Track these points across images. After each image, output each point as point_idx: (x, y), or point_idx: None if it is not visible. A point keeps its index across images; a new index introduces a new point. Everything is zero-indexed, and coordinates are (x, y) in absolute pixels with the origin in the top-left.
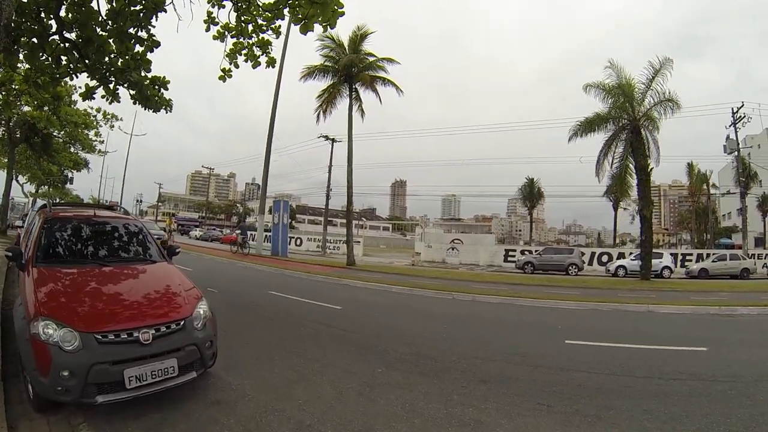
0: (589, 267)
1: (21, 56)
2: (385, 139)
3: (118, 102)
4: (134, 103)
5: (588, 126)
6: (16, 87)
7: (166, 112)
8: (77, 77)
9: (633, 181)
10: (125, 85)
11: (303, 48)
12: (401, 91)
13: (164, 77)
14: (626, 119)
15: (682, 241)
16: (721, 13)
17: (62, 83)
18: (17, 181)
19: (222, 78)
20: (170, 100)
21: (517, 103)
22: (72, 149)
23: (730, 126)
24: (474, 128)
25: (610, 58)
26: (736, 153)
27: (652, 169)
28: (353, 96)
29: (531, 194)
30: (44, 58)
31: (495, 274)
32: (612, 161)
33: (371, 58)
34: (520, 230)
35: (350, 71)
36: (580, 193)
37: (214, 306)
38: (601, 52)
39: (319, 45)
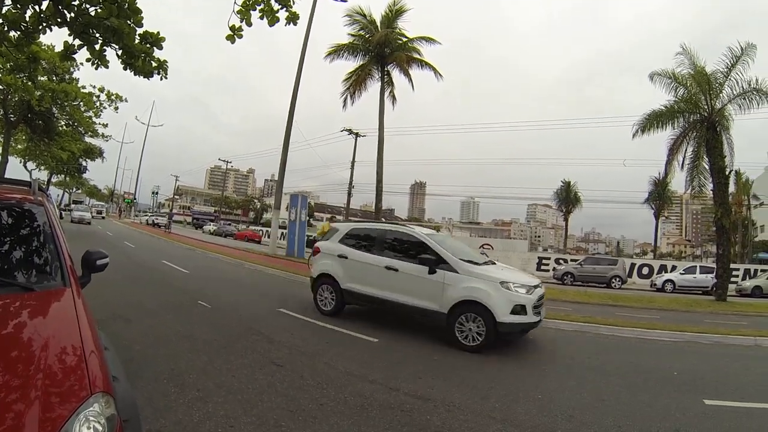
0: (629, 279)
1: None
2: (404, 136)
3: (106, 67)
4: (124, 68)
5: (655, 120)
6: None
7: (161, 78)
8: (51, 30)
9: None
10: (113, 45)
11: (327, 33)
12: (440, 75)
13: (158, 33)
14: (700, 113)
15: (708, 254)
16: (744, 22)
17: (39, 44)
18: (26, 167)
19: (230, 38)
20: (165, 61)
21: (538, 108)
22: (78, 133)
23: None
24: (492, 126)
25: (682, 42)
26: None
27: (731, 172)
28: (385, 79)
29: (567, 198)
30: (10, 4)
31: None
32: (683, 162)
33: (405, 38)
34: (539, 236)
35: (383, 50)
36: (601, 199)
37: (196, 332)
38: (624, 60)
39: (348, 20)
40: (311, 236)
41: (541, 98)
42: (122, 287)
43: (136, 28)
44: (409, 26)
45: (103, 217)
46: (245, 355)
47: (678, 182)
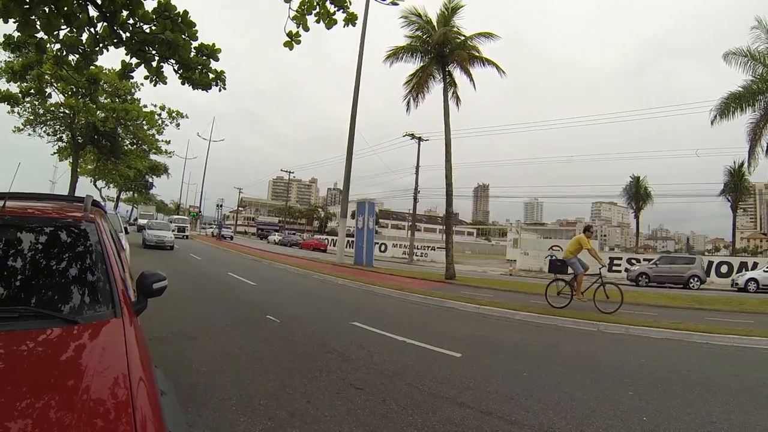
0: (707, 279)
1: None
2: (463, 138)
3: (164, 83)
4: (182, 83)
5: (736, 102)
6: (48, 73)
7: (219, 90)
8: (108, 50)
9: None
10: (170, 61)
11: (383, 38)
12: (503, 72)
13: (213, 44)
14: None
15: None
16: None
17: (99, 67)
18: (95, 185)
19: (289, 45)
20: (222, 72)
21: (590, 102)
22: (142, 151)
23: None
24: (550, 123)
25: (757, 15)
26: None
27: None
28: (447, 80)
29: (638, 195)
30: (66, 29)
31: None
32: (767, 147)
33: (462, 37)
34: (605, 235)
35: (442, 50)
36: (669, 193)
37: (266, 351)
38: (677, 43)
39: (404, 22)
40: (552, 257)
41: (596, 91)
42: (188, 301)
43: (191, 42)
44: (463, 23)
45: (187, 237)
46: (320, 377)
47: (759, 171)
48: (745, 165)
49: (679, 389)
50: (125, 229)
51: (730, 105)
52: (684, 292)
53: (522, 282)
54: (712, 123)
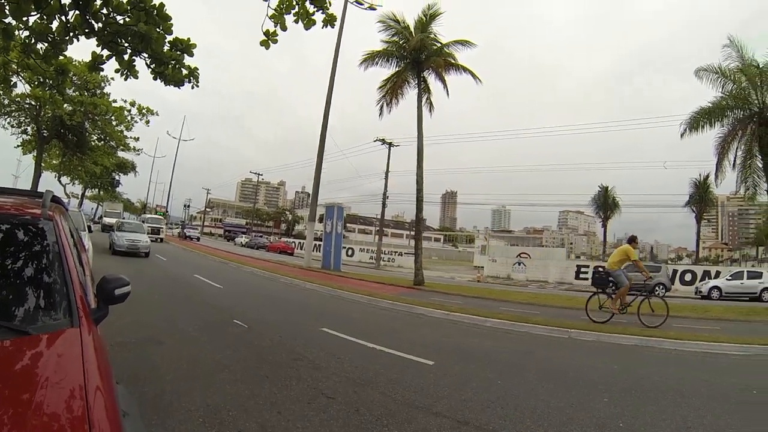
0: (671, 286)
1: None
2: (434, 145)
3: (135, 77)
4: (154, 78)
5: (706, 118)
6: (14, 61)
7: (192, 87)
8: (78, 40)
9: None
10: (143, 54)
11: (359, 44)
12: (479, 79)
13: (188, 39)
14: (751, 109)
15: (747, 257)
16: None
17: (67, 56)
18: (60, 181)
19: (265, 44)
20: (195, 68)
21: (569, 112)
22: (110, 148)
23: None
24: (522, 132)
25: (730, 34)
26: None
27: None
28: (422, 86)
29: (606, 204)
30: (36, 15)
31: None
32: (734, 161)
33: (439, 44)
34: (572, 243)
35: (418, 56)
36: (635, 203)
37: (234, 357)
38: (659, 55)
39: (381, 27)
40: (601, 268)
41: (572, 102)
42: (153, 304)
43: (166, 35)
44: (441, 30)
45: (162, 239)
46: (290, 386)
47: (724, 184)
48: (711, 177)
49: (652, 395)
50: (88, 227)
51: (699, 120)
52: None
53: (488, 288)
54: (681, 136)
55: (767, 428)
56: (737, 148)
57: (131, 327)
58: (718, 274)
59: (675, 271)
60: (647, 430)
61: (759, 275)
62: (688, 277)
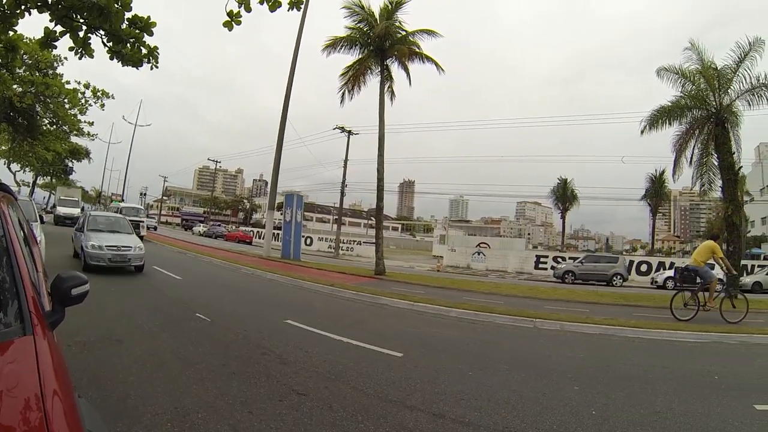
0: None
1: None
2: (393, 134)
3: (91, 56)
4: (111, 58)
5: (665, 116)
6: None
7: (151, 68)
8: (30, 14)
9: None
10: (99, 32)
11: (322, 32)
12: (442, 69)
13: (148, 17)
14: (708, 109)
15: None
16: (734, 17)
17: (17, 32)
18: (9, 169)
19: (228, 25)
20: (155, 48)
21: (527, 105)
22: (63, 132)
23: None
24: (481, 123)
25: (691, 38)
26: None
27: (740, 168)
28: (384, 74)
29: (564, 196)
30: None
31: (549, 289)
32: (691, 158)
33: (404, 32)
34: (529, 234)
35: (382, 44)
36: (592, 196)
37: (198, 354)
38: (612, 55)
39: (346, 13)
40: (687, 265)
41: (529, 96)
42: (111, 298)
43: (125, 12)
44: (406, 18)
45: (142, 237)
46: (260, 383)
47: (679, 180)
48: (667, 173)
49: (620, 383)
50: (40, 218)
51: (659, 118)
52: (609, 290)
53: (449, 278)
54: (642, 132)
55: (734, 407)
56: (694, 146)
57: (89, 324)
58: (672, 265)
59: (631, 262)
60: (619, 416)
61: (711, 267)
62: (644, 267)
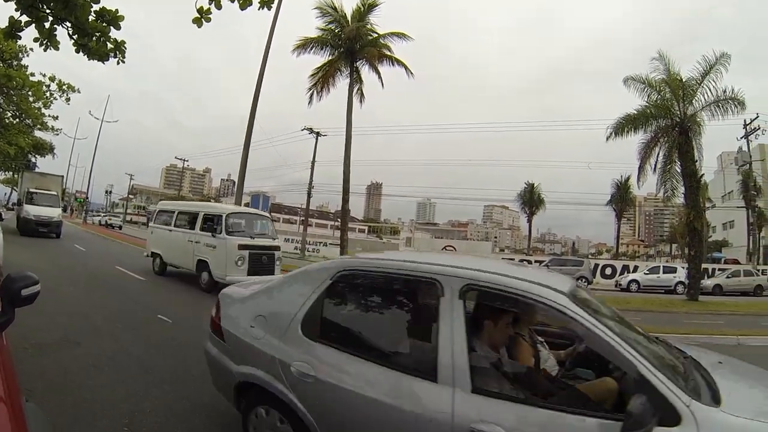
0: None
1: None
2: (362, 136)
3: (56, 48)
4: (76, 51)
5: (631, 124)
6: None
7: (118, 62)
8: None
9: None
10: (65, 24)
11: (293, 33)
12: (411, 73)
13: (116, 11)
14: (672, 119)
15: (662, 254)
16: (702, 33)
17: None
18: None
19: (198, 21)
20: (122, 42)
21: (498, 112)
22: (26, 126)
23: (741, 138)
24: (450, 127)
25: (660, 49)
26: (747, 166)
27: (702, 175)
28: (354, 76)
29: (531, 200)
30: None
31: None
32: (655, 165)
33: (376, 34)
34: (496, 237)
35: (353, 46)
36: (559, 200)
37: (160, 357)
38: (582, 66)
39: (318, 14)
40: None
41: (499, 103)
42: (71, 299)
43: (92, 4)
44: (377, 21)
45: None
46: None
47: (643, 186)
48: (632, 179)
49: None
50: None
51: (624, 125)
52: None
53: None
54: (607, 139)
55: None
56: (659, 154)
57: (46, 326)
58: (636, 269)
59: (596, 265)
60: None
61: (674, 270)
62: (608, 270)
